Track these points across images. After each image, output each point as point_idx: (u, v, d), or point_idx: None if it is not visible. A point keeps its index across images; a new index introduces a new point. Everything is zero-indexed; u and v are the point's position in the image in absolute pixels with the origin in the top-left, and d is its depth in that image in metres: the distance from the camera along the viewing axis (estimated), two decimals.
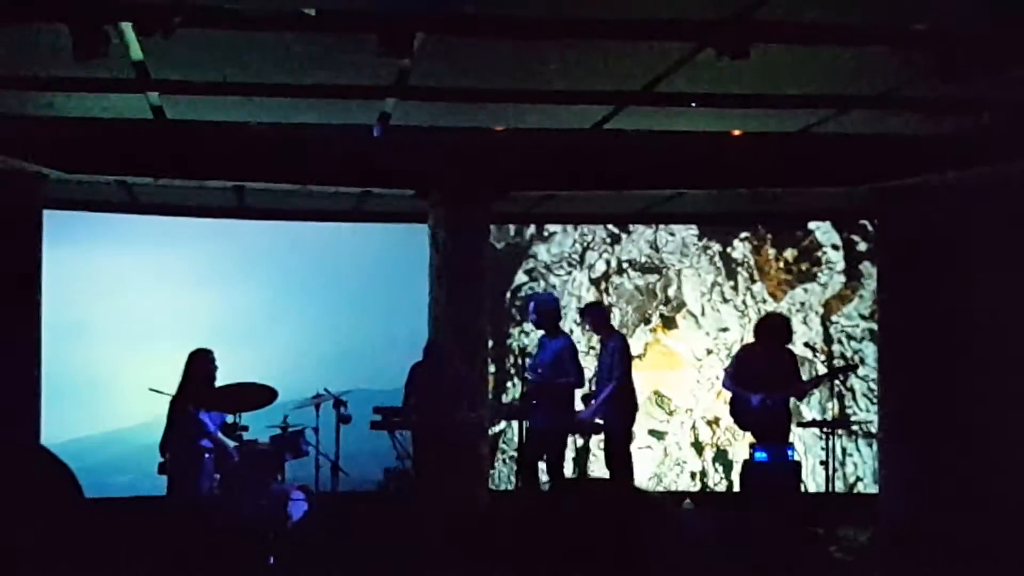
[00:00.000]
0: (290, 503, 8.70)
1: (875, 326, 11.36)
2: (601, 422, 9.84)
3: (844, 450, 11.91)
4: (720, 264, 12.42)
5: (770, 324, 9.99)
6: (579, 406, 9.90)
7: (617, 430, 9.82)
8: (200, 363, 9.15)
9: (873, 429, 11.32)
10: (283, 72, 7.28)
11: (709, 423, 12.27)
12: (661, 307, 12.45)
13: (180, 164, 9.74)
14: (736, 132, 9.35)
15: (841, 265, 12.27)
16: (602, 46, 6.56)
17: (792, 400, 10.02)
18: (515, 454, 10.47)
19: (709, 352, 12.36)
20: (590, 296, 12.30)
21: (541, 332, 10.04)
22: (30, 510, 1.98)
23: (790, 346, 10.05)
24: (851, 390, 12.09)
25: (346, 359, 11.36)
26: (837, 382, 10.93)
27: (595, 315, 10.26)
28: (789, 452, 9.71)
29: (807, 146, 9.43)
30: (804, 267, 12.35)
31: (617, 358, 9.79)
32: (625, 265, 12.52)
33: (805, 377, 10.54)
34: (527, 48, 6.63)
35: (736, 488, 10.95)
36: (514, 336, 12.39)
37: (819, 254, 12.32)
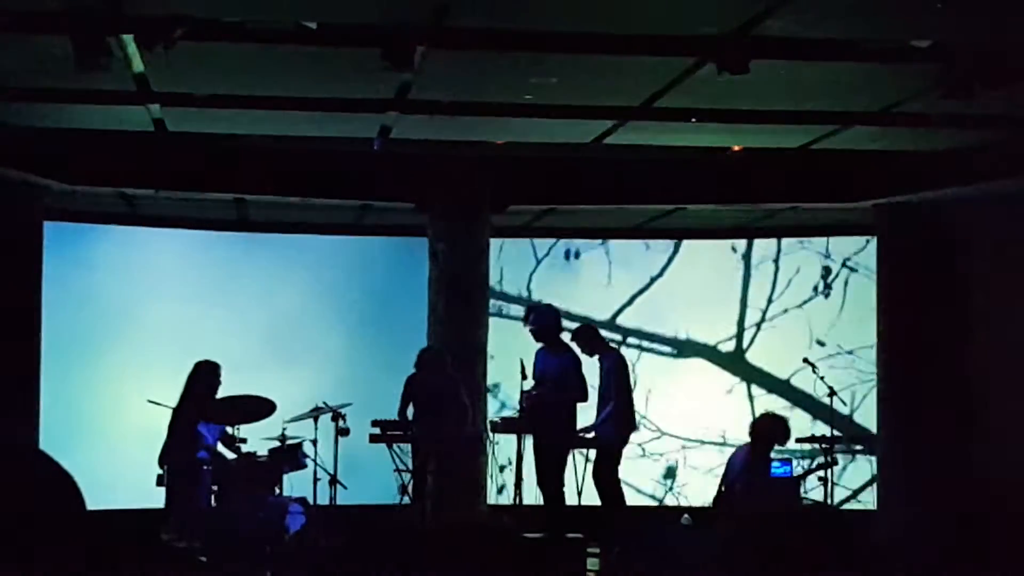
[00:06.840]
0: (288, 516, 8.69)
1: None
2: (592, 436, 9.69)
3: (843, 466, 11.85)
4: None
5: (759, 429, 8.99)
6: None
7: (609, 448, 9.66)
8: (205, 374, 9.12)
9: None
10: (284, 85, 7.30)
11: None
12: None
13: (181, 177, 9.75)
14: (736, 148, 9.37)
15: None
16: (603, 61, 6.57)
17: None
18: (514, 468, 10.41)
19: None
20: None
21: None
22: (33, 514, 1.97)
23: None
24: None
25: (345, 372, 11.34)
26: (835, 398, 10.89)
27: (586, 337, 9.97)
28: (788, 468, 9.67)
29: (808, 162, 9.44)
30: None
31: (613, 378, 9.61)
32: None
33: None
34: (528, 62, 6.64)
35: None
36: None
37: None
